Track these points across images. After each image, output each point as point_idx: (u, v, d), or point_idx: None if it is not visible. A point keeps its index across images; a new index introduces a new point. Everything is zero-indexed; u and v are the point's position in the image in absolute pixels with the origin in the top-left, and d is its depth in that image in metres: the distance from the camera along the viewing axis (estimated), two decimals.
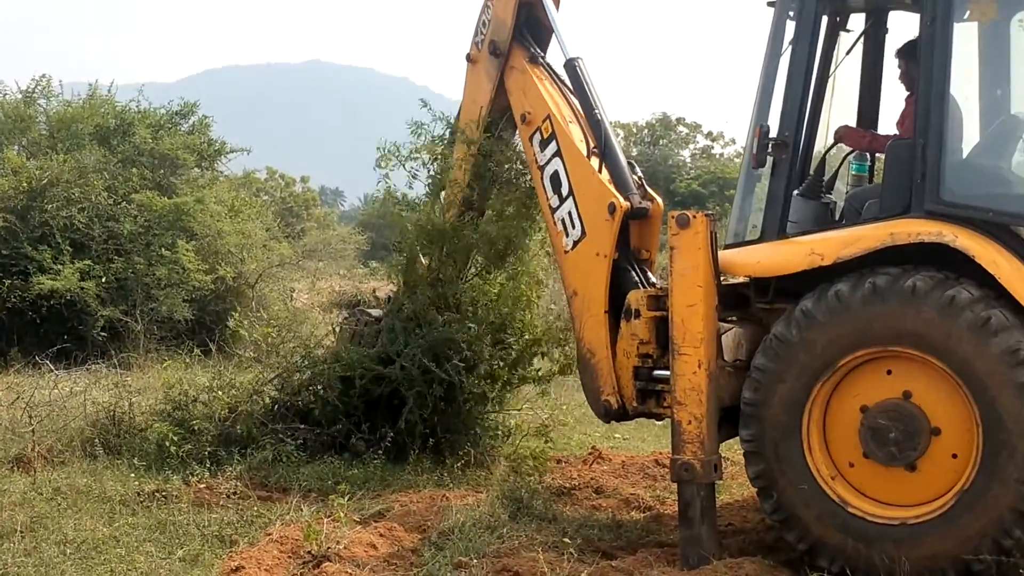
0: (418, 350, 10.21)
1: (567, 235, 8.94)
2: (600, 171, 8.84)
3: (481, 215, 10.69)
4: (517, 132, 9.93)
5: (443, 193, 10.74)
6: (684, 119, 57.30)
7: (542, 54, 9.74)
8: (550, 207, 9.17)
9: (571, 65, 9.35)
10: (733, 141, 55.38)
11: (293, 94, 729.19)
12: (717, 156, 56.00)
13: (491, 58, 9.95)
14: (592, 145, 8.94)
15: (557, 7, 9.72)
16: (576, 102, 9.43)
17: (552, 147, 9.13)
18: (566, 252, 8.97)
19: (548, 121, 9.21)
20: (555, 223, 9.11)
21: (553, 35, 9.83)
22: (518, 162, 10.35)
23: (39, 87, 22.04)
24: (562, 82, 9.61)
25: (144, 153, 20.91)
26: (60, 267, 18.17)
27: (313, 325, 14.28)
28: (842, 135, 8.72)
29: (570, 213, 8.91)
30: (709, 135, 57.23)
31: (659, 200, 8.83)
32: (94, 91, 22.28)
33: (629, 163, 8.98)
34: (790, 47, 8.05)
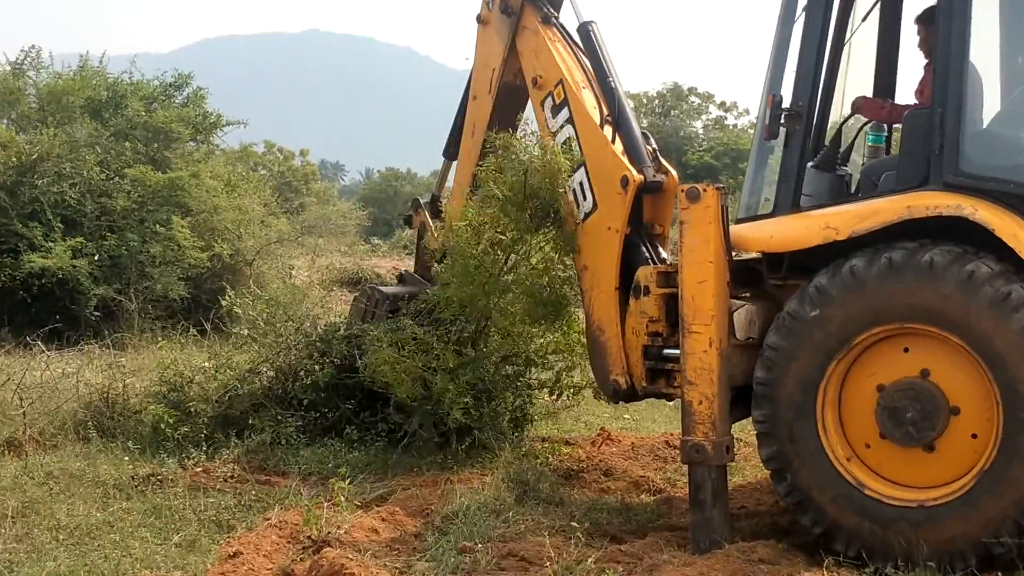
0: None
1: (578, 206, 8.90)
2: (613, 141, 8.78)
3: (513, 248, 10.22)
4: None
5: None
6: (696, 89, 57.31)
7: (555, 14, 9.60)
8: (573, 169, 9.07)
9: (584, 29, 9.26)
10: (747, 111, 55.44)
11: (292, 65, 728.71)
12: (731, 127, 56.00)
13: (503, 17, 9.84)
14: (606, 113, 8.87)
15: None
16: (589, 66, 9.33)
17: (564, 113, 9.06)
18: (577, 224, 8.94)
19: (560, 86, 9.13)
20: (567, 192, 9.08)
21: None
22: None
23: (28, 58, 22.10)
24: (576, 45, 9.49)
25: (137, 126, 20.98)
26: (51, 245, 18.27)
27: (312, 303, 14.28)
28: (859, 106, 8.70)
29: (581, 184, 8.86)
30: (722, 105, 57.21)
31: (674, 173, 8.77)
32: (85, 62, 22.31)
33: (643, 133, 8.92)
34: (803, 13, 8.04)
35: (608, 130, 8.85)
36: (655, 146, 8.79)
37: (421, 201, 11.47)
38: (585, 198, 8.80)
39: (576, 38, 9.50)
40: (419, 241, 11.37)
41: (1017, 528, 7.01)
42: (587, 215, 8.81)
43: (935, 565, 7.09)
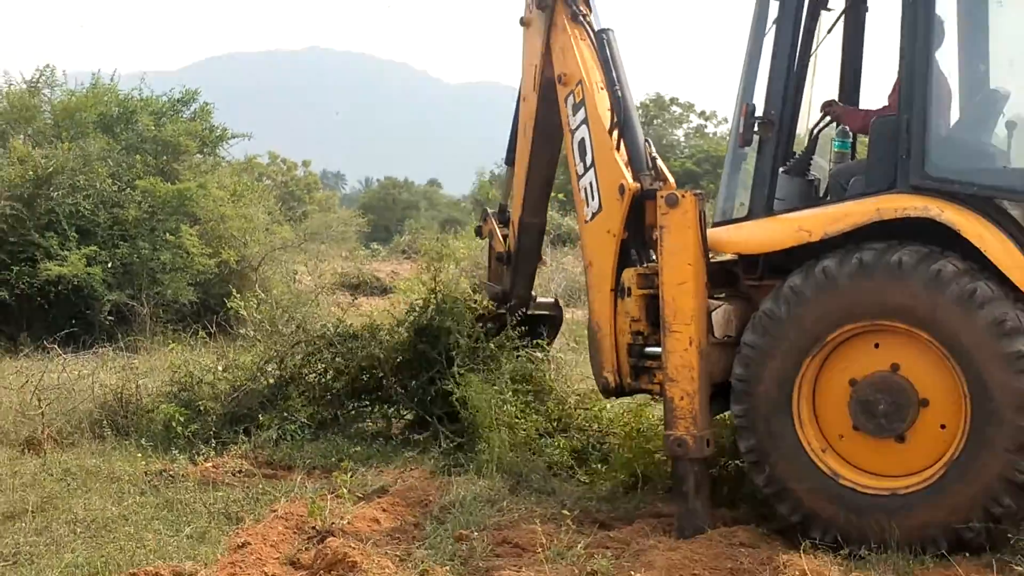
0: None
1: (587, 205, 8.81)
2: (618, 148, 8.68)
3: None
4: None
5: None
6: (678, 99, 57.25)
7: (585, 12, 9.37)
8: (576, 173, 8.99)
9: (599, 37, 9.11)
10: (725, 120, 55.34)
11: (294, 80, 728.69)
12: (710, 135, 55.94)
13: (540, 13, 9.61)
14: (615, 119, 8.76)
15: None
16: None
17: (581, 114, 8.94)
18: (586, 222, 8.86)
19: (580, 86, 8.99)
20: (579, 190, 8.96)
21: None
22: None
23: (43, 77, 22.06)
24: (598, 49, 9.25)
25: (147, 140, 20.95)
26: (67, 253, 18.23)
27: (315, 305, 14.26)
28: (840, 114, 8.70)
29: (591, 184, 8.77)
30: (702, 114, 57.17)
31: (671, 180, 8.64)
32: (97, 80, 22.31)
33: (645, 140, 8.80)
34: (774, 27, 8.06)
35: (615, 135, 8.74)
36: (655, 154, 8.71)
37: (489, 211, 11.27)
38: (593, 198, 8.71)
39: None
40: (490, 251, 11.21)
41: (986, 514, 7.03)
42: (593, 215, 8.72)
43: (908, 550, 7.10)
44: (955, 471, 7.11)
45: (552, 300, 11.76)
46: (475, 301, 10.36)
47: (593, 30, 9.16)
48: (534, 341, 10.54)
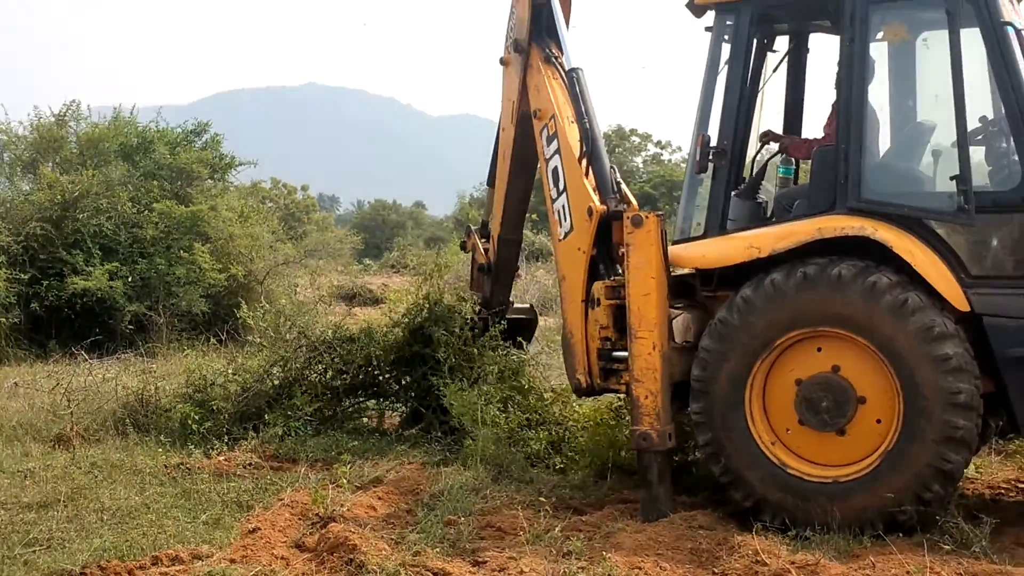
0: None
1: (560, 225, 8.77)
2: (587, 175, 8.63)
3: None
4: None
5: None
6: (636, 130, 57.41)
7: (556, 55, 9.34)
8: (550, 197, 8.96)
9: (569, 76, 9.02)
10: (679, 149, 55.57)
11: (293, 112, 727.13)
12: (665, 162, 56.13)
13: (516, 55, 9.63)
14: (583, 149, 8.71)
15: (568, 15, 9.43)
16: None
17: (554, 145, 8.91)
18: (559, 240, 8.81)
19: (553, 120, 8.96)
20: (553, 212, 8.92)
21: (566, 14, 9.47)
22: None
23: (69, 111, 21.94)
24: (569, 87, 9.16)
25: (163, 167, 20.91)
26: (91, 269, 18.22)
27: (315, 314, 14.22)
28: (788, 145, 8.73)
29: (563, 207, 8.73)
30: (658, 143, 57.39)
31: (635, 203, 8.65)
32: (118, 114, 22.25)
33: (611, 167, 8.73)
34: (726, 66, 8.07)
35: (584, 164, 8.70)
36: (620, 179, 8.70)
37: (472, 228, 11.30)
38: (566, 220, 8.67)
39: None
40: (473, 263, 11.18)
41: (917, 499, 7.07)
42: (566, 234, 8.68)
43: (848, 531, 7.12)
44: (890, 461, 7.14)
45: (528, 306, 11.82)
46: (463, 308, 10.35)
47: (564, 70, 9.13)
48: (514, 342, 10.50)
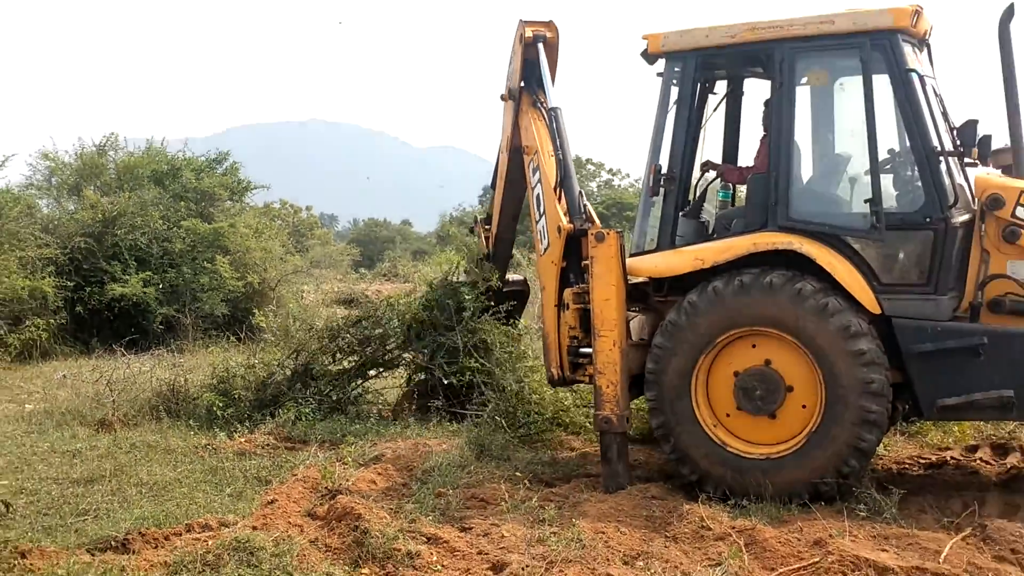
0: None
1: (541, 243, 8.74)
2: (559, 199, 8.61)
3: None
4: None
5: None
6: (592, 159, 57.36)
7: (541, 100, 9.30)
8: (534, 219, 8.94)
9: (549, 113, 9.03)
10: (628, 175, 55.52)
11: (299, 143, 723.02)
12: (616, 186, 56.11)
13: (510, 100, 9.67)
14: (558, 178, 8.70)
15: (554, 69, 9.40)
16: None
17: (537, 175, 8.89)
18: (540, 256, 8.79)
19: (536, 155, 8.95)
20: (536, 232, 8.91)
21: (552, 80, 9.43)
22: None
23: (108, 142, 21.89)
24: (548, 124, 9.18)
25: (190, 190, 20.80)
26: (127, 277, 18.14)
27: (319, 317, 14.14)
28: (723, 172, 8.74)
29: (543, 227, 8.70)
30: (611, 171, 57.33)
31: (598, 221, 8.64)
32: (151, 145, 22.20)
33: (581, 192, 8.73)
34: (674, 106, 8.05)
35: (558, 191, 8.69)
36: (586, 202, 8.67)
37: (479, 218, 11.50)
38: (544, 238, 8.66)
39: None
40: (479, 238, 11.34)
41: (837, 472, 7.11)
42: (544, 250, 8.66)
43: (778, 500, 7.14)
44: (814, 440, 7.17)
45: (521, 278, 11.85)
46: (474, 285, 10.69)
47: (546, 109, 9.14)
48: (511, 309, 10.79)
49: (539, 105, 9.33)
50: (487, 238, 10.93)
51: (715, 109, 8.72)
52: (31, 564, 5.94)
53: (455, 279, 11.01)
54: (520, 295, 11.36)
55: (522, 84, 9.50)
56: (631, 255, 8.13)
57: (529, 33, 9.28)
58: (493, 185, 10.83)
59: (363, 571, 6.02)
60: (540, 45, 9.27)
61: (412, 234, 68.07)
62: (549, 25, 9.39)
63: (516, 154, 9.72)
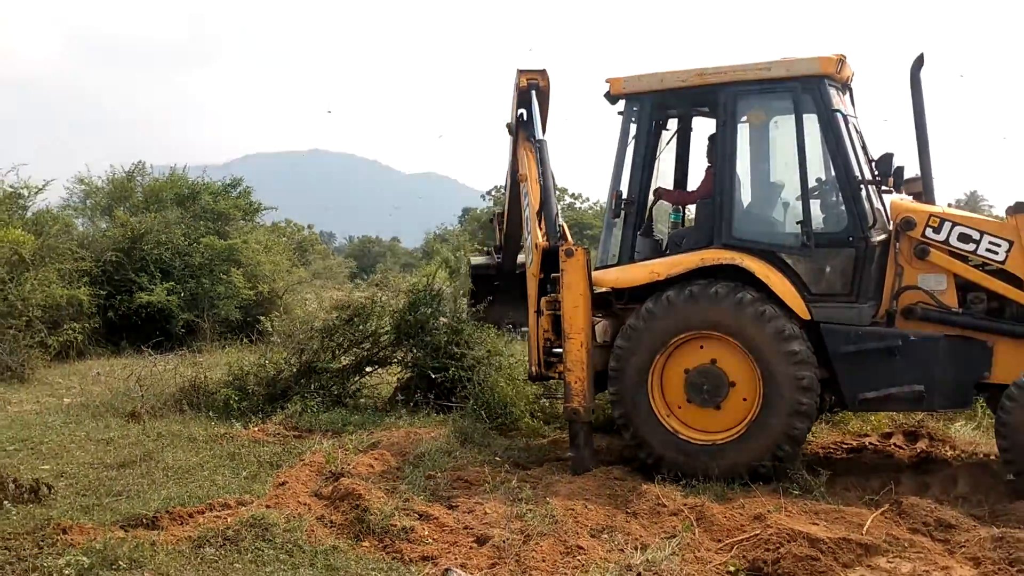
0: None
1: (528, 258, 8.76)
2: (540, 220, 8.63)
3: None
4: None
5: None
6: (557, 185, 57.43)
7: (535, 135, 9.21)
8: (525, 238, 8.97)
9: (536, 145, 9.05)
10: (588, 199, 55.59)
11: (301, 171, 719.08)
12: (578, 208, 56.20)
13: (511, 135, 9.76)
14: (540, 202, 8.72)
15: (545, 107, 9.44)
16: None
17: (527, 200, 8.90)
18: (527, 270, 8.74)
19: (527, 183, 8.96)
20: (525, 249, 8.96)
21: (544, 117, 9.52)
22: None
23: (136, 168, 21.74)
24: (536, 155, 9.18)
25: (208, 211, 20.62)
26: (153, 287, 17.94)
27: (318, 320, 14.03)
28: (661, 195, 8.75)
29: (529, 244, 8.71)
30: (573, 195, 57.41)
31: (570, 239, 8.68)
32: (173, 172, 22.00)
33: (558, 213, 8.73)
34: (633, 140, 8.09)
35: (540, 214, 8.70)
36: (563, 223, 8.69)
37: (496, 211, 11.85)
38: (529, 254, 8.67)
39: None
40: (497, 232, 11.71)
41: (773, 456, 7.15)
42: (529, 264, 8.65)
43: (723, 480, 7.17)
44: (753, 428, 7.21)
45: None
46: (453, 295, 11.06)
47: (535, 141, 9.17)
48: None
49: (531, 139, 9.33)
50: (501, 231, 11.18)
51: (667, 143, 8.75)
52: (71, 539, 5.86)
53: (434, 286, 11.09)
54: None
55: (518, 123, 9.52)
56: (596, 268, 8.14)
57: (524, 82, 9.34)
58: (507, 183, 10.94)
59: (364, 544, 5.99)
60: (533, 92, 9.31)
61: (400, 249, 67.90)
62: (542, 74, 9.43)
63: (516, 180, 9.86)
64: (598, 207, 45.68)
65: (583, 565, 5.42)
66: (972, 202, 53.32)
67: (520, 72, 9.39)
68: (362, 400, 10.79)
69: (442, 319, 10.57)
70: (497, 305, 11.88)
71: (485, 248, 11.59)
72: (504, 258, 12.18)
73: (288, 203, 25.14)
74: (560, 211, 8.90)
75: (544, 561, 5.49)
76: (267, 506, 6.52)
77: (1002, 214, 7.37)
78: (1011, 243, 7.07)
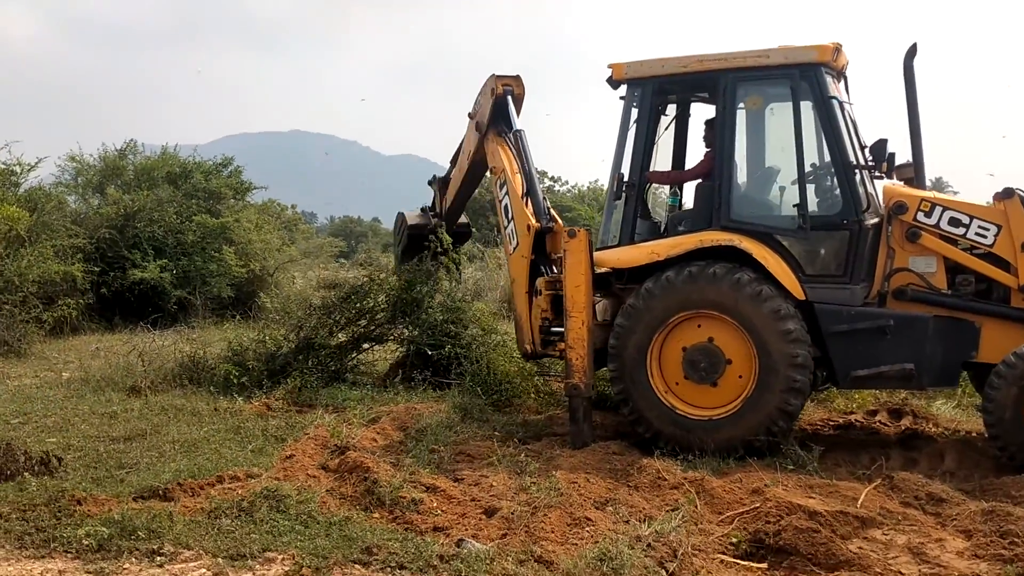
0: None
1: (510, 243, 8.76)
2: (527, 205, 8.66)
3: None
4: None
5: None
6: (537, 168, 57.32)
7: (506, 130, 9.30)
8: (503, 226, 8.95)
9: (514, 135, 9.10)
10: (567, 182, 55.56)
11: (284, 151, 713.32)
12: (557, 191, 56.13)
13: (477, 129, 9.68)
14: (524, 189, 8.77)
15: (518, 108, 9.41)
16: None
17: (504, 189, 8.89)
18: (510, 254, 8.81)
19: (503, 173, 8.97)
20: (505, 236, 8.93)
21: (517, 111, 9.46)
22: None
23: (128, 147, 21.49)
24: (515, 146, 9.23)
25: (199, 190, 20.43)
26: (146, 264, 17.87)
27: (315, 297, 13.94)
28: (650, 177, 8.73)
29: (512, 231, 8.72)
30: (552, 178, 57.37)
31: (560, 221, 8.68)
32: (164, 150, 21.77)
33: (544, 198, 8.81)
34: (634, 124, 8.09)
35: (525, 199, 8.74)
36: (549, 205, 8.71)
37: (437, 177, 11.45)
38: (514, 239, 8.68)
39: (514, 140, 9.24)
40: (435, 195, 11.46)
41: (767, 431, 7.21)
42: (514, 249, 8.67)
43: (719, 455, 7.23)
44: (749, 405, 7.26)
45: (466, 221, 11.88)
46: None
47: (510, 132, 9.13)
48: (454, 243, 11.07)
49: (504, 134, 9.34)
50: (442, 200, 11.08)
51: (667, 128, 8.75)
52: (87, 510, 5.81)
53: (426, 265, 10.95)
54: (465, 235, 11.80)
55: (490, 121, 9.46)
56: (598, 249, 8.15)
57: (500, 89, 9.32)
58: (453, 162, 10.87)
59: (375, 515, 5.98)
60: (509, 97, 9.31)
61: (381, 229, 67.64)
62: (517, 80, 9.42)
63: (475, 167, 10.02)
64: (576, 191, 45.65)
65: (592, 536, 5.45)
66: (937, 188, 53.85)
67: (496, 78, 9.38)
68: (359, 376, 10.75)
69: (438, 296, 10.55)
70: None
71: (422, 208, 11.52)
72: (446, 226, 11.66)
73: (269, 182, 25.00)
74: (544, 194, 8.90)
75: (553, 532, 5.51)
76: (277, 478, 6.48)
77: (969, 199, 7.45)
78: (999, 227, 7.15)
